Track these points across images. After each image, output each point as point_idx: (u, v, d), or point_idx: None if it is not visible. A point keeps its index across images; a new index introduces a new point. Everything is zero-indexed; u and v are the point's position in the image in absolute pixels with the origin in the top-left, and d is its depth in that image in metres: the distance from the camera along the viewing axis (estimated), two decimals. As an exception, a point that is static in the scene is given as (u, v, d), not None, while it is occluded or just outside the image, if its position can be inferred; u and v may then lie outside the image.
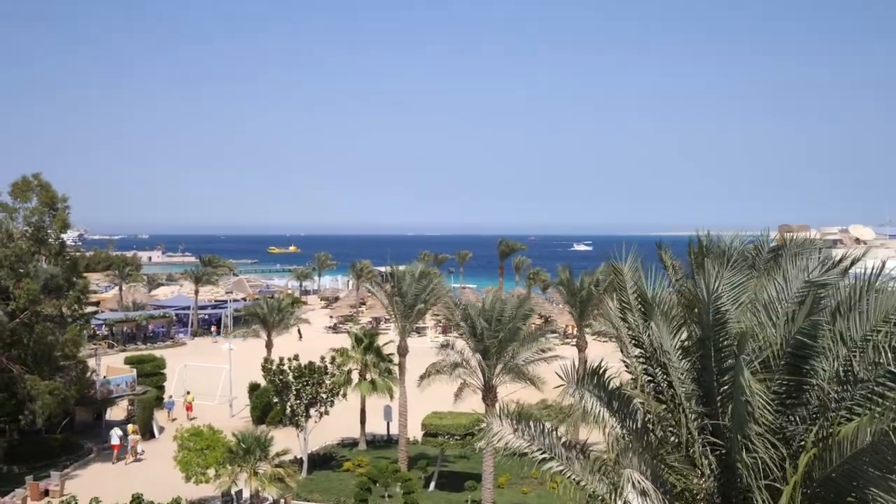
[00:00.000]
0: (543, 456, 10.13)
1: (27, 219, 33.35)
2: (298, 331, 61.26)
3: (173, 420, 44.45)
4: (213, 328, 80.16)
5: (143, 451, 37.53)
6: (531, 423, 10.46)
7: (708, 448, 9.36)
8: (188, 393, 46.62)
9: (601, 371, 10.43)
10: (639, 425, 9.92)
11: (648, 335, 9.85)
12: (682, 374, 9.41)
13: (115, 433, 37.14)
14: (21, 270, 31.89)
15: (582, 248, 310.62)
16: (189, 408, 45.40)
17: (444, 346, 33.00)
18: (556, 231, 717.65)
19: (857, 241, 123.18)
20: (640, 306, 10.09)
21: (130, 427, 38.40)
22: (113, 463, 36.29)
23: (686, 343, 9.56)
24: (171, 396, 47.26)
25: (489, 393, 30.31)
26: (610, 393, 10.19)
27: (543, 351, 30.60)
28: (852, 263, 10.97)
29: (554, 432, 10.37)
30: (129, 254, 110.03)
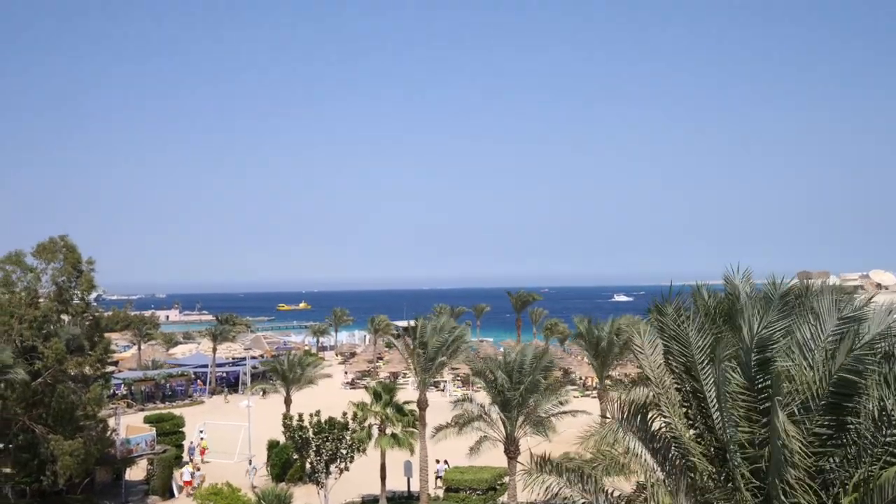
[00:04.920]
0: (584, 501, 10.04)
1: (54, 278, 33.88)
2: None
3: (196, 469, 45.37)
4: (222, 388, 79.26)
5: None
6: (569, 470, 10.39)
7: (749, 493, 9.24)
8: (202, 438, 49.29)
9: (645, 411, 10.38)
10: (678, 470, 9.81)
11: (690, 380, 9.81)
12: (725, 417, 9.32)
13: (187, 470, 41.59)
14: (46, 330, 32.25)
15: (622, 299, 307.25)
16: (202, 452, 47.86)
17: (461, 400, 32.92)
18: (596, 282, 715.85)
19: (879, 286, 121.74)
20: (681, 350, 10.03)
21: (191, 465, 42.83)
22: (187, 495, 39.47)
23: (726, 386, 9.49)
24: (192, 442, 49.10)
25: (511, 445, 29.99)
26: (651, 435, 10.11)
27: (563, 403, 30.45)
28: (890, 311, 10.85)
29: (591, 478, 10.28)
30: (147, 313, 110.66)
